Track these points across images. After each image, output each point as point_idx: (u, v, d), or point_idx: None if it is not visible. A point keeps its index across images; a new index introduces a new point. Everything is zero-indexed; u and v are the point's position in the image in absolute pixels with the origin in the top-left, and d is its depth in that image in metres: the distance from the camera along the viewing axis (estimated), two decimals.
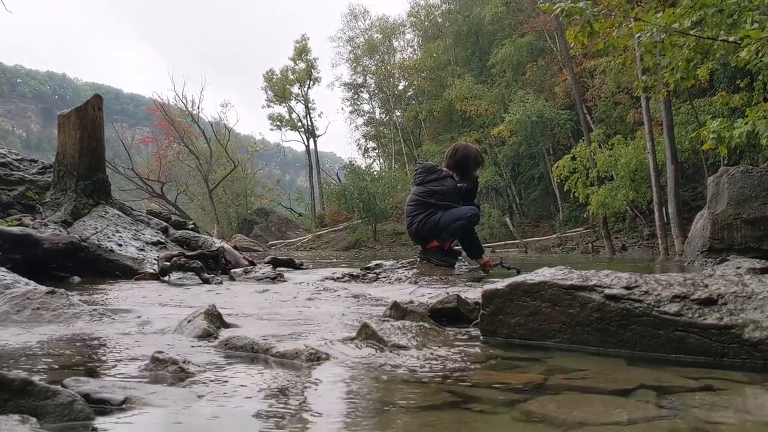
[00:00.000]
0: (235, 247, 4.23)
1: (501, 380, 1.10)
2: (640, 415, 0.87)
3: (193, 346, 1.32)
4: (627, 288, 1.45)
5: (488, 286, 1.62)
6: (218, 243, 4.27)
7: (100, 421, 0.79)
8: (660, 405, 0.94)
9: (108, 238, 3.64)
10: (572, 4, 6.06)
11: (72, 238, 3.24)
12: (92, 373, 1.08)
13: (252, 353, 1.25)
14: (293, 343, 1.29)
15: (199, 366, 1.11)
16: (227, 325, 1.59)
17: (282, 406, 0.89)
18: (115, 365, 1.15)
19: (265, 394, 0.95)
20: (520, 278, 1.59)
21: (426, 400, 0.97)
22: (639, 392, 1.02)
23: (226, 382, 1.02)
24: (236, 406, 0.88)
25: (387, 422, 0.86)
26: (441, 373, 1.10)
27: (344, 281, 3.26)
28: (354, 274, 3.61)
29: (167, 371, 1.06)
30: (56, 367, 1.12)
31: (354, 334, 1.41)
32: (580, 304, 1.47)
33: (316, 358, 1.19)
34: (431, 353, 1.24)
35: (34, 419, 0.74)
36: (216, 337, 1.41)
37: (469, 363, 1.19)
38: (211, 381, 1.03)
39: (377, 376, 1.09)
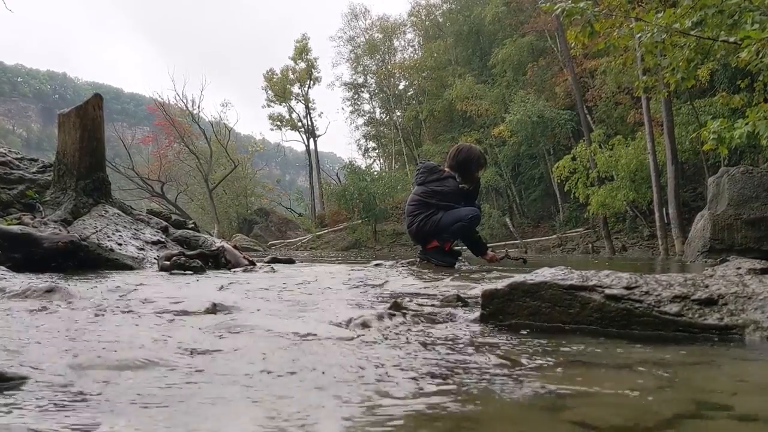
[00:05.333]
0: (235, 247, 4.23)
1: (503, 359, 1.12)
2: (641, 385, 0.91)
3: (195, 338, 1.31)
4: (627, 288, 1.45)
5: (488, 286, 1.62)
6: (218, 242, 4.26)
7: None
8: (660, 376, 0.98)
9: (108, 237, 3.64)
10: (573, 5, 6.06)
11: (72, 237, 3.24)
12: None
13: (253, 332, 1.24)
14: (296, 323, 1.30)
15: (203, 355, 1.11)
16: (225, 309, 1.60)
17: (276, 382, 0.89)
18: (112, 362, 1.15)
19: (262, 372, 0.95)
20: (519, 278, 1.59)
21: (429, 373, 0.99)
22: (640, 366, 1.05)
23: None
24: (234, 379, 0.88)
25: (392, 389, 0.86)
26: (443, 357, 1.11)
27: (342, 277, 3.25)
28: (353, 271, 3.60)
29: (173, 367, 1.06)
30: (53, 365, 1.11)
31: (355, 322, 1.41)
32: (580, 304, 1.47)
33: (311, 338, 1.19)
34: (431, 345, 1.24)
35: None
36: (215, 324, 1.40)
37: (470, 348, 1.19)
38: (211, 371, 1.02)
39: (379, 357, 1.09)
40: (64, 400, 0.79)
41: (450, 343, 1.28)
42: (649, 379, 0.96)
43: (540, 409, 0.80)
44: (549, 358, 1.12)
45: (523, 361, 1.10)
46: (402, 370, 1.01)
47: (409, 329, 1.43)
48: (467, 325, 1.51)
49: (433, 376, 0.97)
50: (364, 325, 1.44)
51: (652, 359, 1.12)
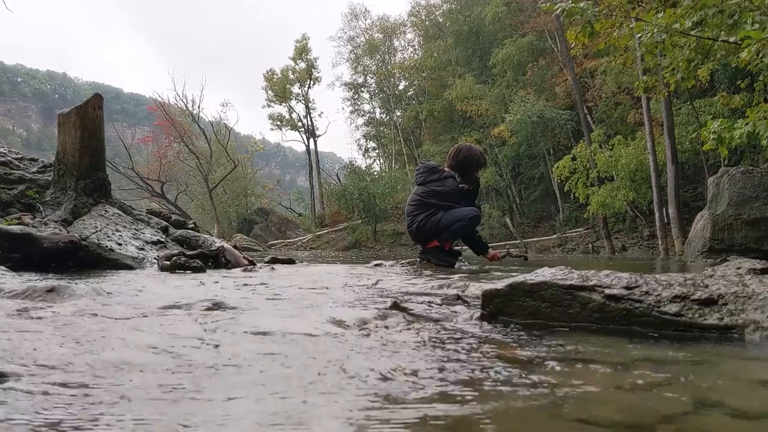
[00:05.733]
0: (235, 247, 4.22)
1: (503, 357, 1.13)
2: (642, 383, 0.93)
3: (196, 335, 1.31)
4: (627, 288, 1.45)
5: (488, 287, 1.62)
6: (218, 242, 4.26)
7: None
8: (659, 373, 0.99)
9: (108, 237, 3.64)
10: (573, 5, 6.06)
11: (72, 237, 3.24)
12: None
13: (265, 335, 1.24)
14: (297, 322, 1.30)
15: (205, 358, 1.11)
16: (225, 308, 1.60)
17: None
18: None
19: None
20: (520, 278, 1.59)
21: (429, 371, 1.00)
22: (639, 364, 1.07)
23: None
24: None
25: (393, 387, 0.85)
26: (443, 356, 1.11)
27: (342, 277, 3.25)
28: (352, 271, 3.60)
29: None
30: (53, 363, 1.11)
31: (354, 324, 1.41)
32: (580, 304, 1.47)
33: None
34: (431, 344, 1.24)
35: None
36: (214, 324, 1.40)
37: (470, 347, 1.20)
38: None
39: (380, 356, 1.09)
40: (63, 398, 0.79)
41: (450, 341, 1.28)
42: (648, 377, 0.97)
43: (541, 406, 0.80)
44: (550, 357, 1.12)
45: (524, 359, 1.10)
46: (402, 368, 1.01)
47: (408, 328, 1.43)
48: (467, 325, 1.51)
49: (433, 374, 0.97)
50: (365, 324, 1.44)
51: (652, 357, 1.12)
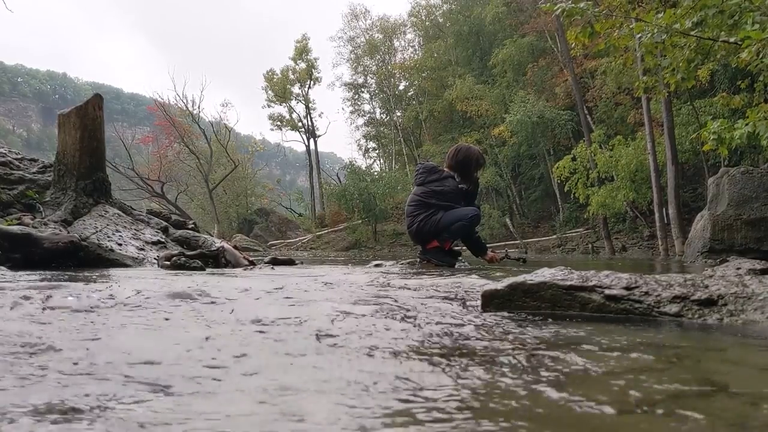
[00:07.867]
0: (235, 247, 4.23)
1: (502, 341, 1.14)
2: (642, 365, 0.94)
3: (200, 333, 1.32)
4: (627, 289, 1.45)
5: (488, 287, 1.62)
6: (218, 243, 4.27)
7: None
8: (661, 356, 1.01)
9: (108, 237, 3.64)
10: (573, 5, 6.07)
11: (72, 237, 3.24)
12: None
13: (278, 328, 1.25)
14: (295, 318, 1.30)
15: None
16: (224, 305, 1.60)
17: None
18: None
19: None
20: (520, 278, 1.59)
21: (439, 352, 1.02)
22: (641, 347, 1.08)
23: None
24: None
25: (397, 374, 0.86)
26: (443, 346, 1.12)
27: (341, 276, 3.25)
28: (352, 271, 3.60)
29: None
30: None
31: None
32: (580, 304, 1.47)
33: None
34: (431, 339, 1.24)
35: None
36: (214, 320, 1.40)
37: (473, 331, 1.20)
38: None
39: (381, 351, 1.09)
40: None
41: (450, 335, 1.28)
42: (648, 360, 0.98)
43: (542, 390, 0.81)
44: (551, 339, 1.13)
45: (525, 343, 1.11)
46: (406, 360, 1.01)
47: (408, 324, 1.43)
48: (467, 323, 1.51)
49: (435, 361, 0.97)
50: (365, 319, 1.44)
51: (653, 342, 1.14)
